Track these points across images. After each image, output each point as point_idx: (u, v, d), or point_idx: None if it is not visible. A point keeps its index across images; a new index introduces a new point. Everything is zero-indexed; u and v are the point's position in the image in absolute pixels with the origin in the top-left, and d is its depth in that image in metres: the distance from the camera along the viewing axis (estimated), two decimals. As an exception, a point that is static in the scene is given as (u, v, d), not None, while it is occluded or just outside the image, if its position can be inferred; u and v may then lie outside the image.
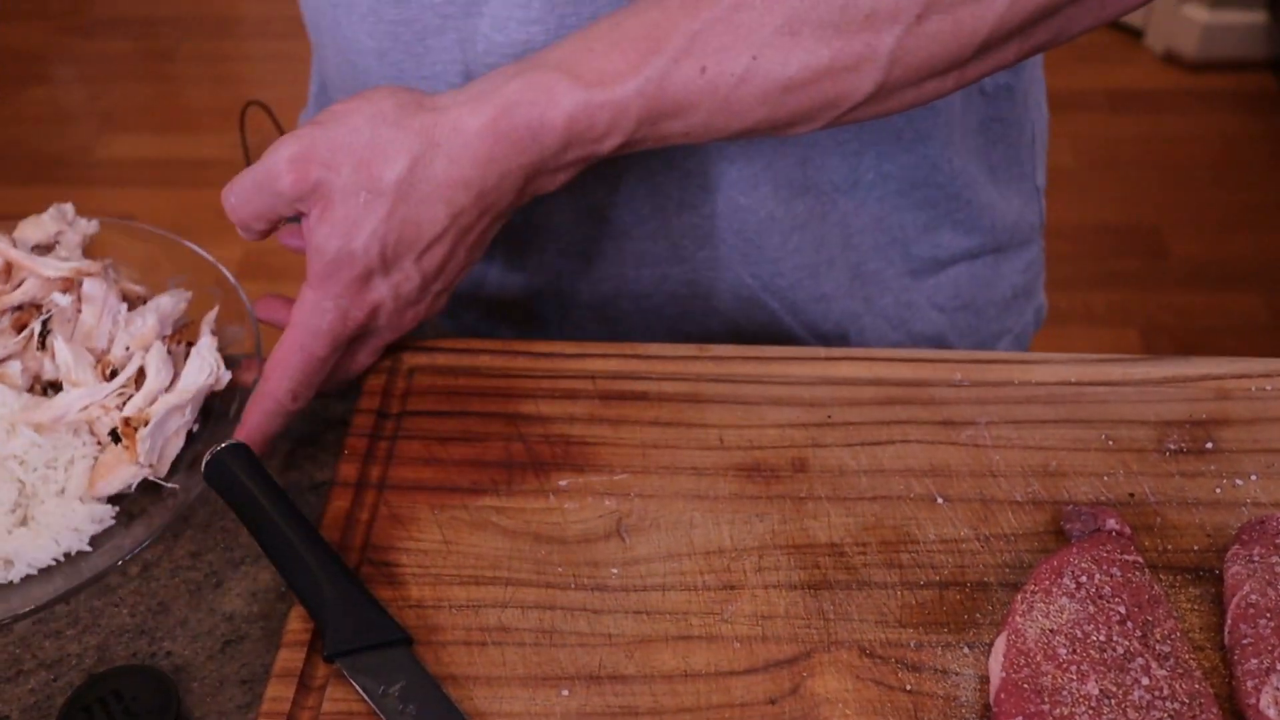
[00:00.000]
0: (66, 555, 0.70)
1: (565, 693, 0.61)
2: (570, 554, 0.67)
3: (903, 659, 0.62)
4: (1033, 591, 0.62)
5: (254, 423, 0.73)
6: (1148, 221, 2.67)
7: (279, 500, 0.67)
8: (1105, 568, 0.62)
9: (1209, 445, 0.72)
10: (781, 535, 0.68)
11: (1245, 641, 0.60)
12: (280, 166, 0.70)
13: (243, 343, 0.79)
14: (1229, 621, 0.61)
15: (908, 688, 0.61)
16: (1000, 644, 0.60)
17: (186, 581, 0.71)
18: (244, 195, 0.72)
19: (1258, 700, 0.57)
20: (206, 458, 0.70)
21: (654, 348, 0.78)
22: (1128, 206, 2.71)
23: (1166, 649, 0.59)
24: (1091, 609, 0.60)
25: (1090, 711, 0.56)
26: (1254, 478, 0.70)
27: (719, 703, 0.60)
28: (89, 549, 0.70)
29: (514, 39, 0.77)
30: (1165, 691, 0.57)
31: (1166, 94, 3.07)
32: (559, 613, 0.64)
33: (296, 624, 0.64)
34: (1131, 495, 0.69)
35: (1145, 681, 0.58)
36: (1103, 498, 0.69)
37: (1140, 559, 0.63)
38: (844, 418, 0.74)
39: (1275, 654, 0.59)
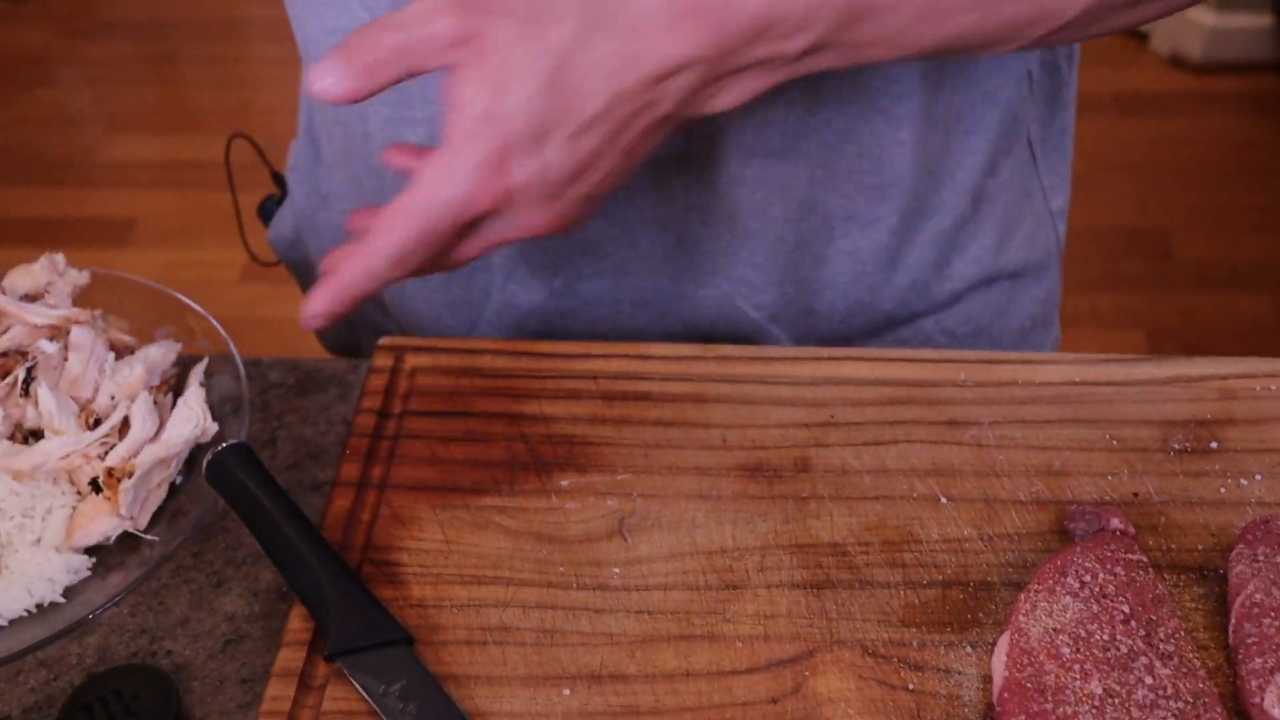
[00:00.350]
0: (39, 605, 0.68)
1: (566, 692, 0.61)
2: (572, 554, 0.67)
3: (905, 658, 0.62)
4: (1036, 590, 0.61)
5: (345, 280, 0.65)
6: (1154, 224, 2.67)
7: (280, 500, 0.67)
8: (1109, 567, 0.62)
9: (1214, 445, 0.71)
10: (784, 535, 0.68)
11: (1250, 640, 0.59)
12: (440, 4, 0.61)
13: (232, 396, 0.77)
14: (1233, 621, 0.61)
15: (910, 687, 0.60)
16: (1003, 643, 0.60)
17: (187, 581, 0.71)
18: (383, 33, 0.62)
19: (1262, 699, 0.57)
20: (208, 457, 0.69)
21: (657, 348, 0.78)
22: (1135, 209, 2.71)
23: (1170, 648, 0.59)
24: (1095, 608, 0.60)
25: (1094, 711, 0.56)
26: (1258, 477, 0.70)
27: (721, 702, 0.60)
28: (62, 600, 0.68)
29: None
30: (1169, 690, 0.57)
31: (1173, 97, 3.07)
32: (560, 612, 0.64)
33: (297, 623, 0.63)
34: (1136, 495, 0.69)
35: (1149, 681, 0.57)
36: (1107, 497, 0.69)
37: (1144, 558, 0.63)
38: (847, 418, 0.74)
39: (1279, 653, 0.58)
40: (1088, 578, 0.61)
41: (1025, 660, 0.59)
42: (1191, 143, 2.88)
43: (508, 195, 0.63)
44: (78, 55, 3.30)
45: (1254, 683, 0.58)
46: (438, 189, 0.62)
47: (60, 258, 0.83)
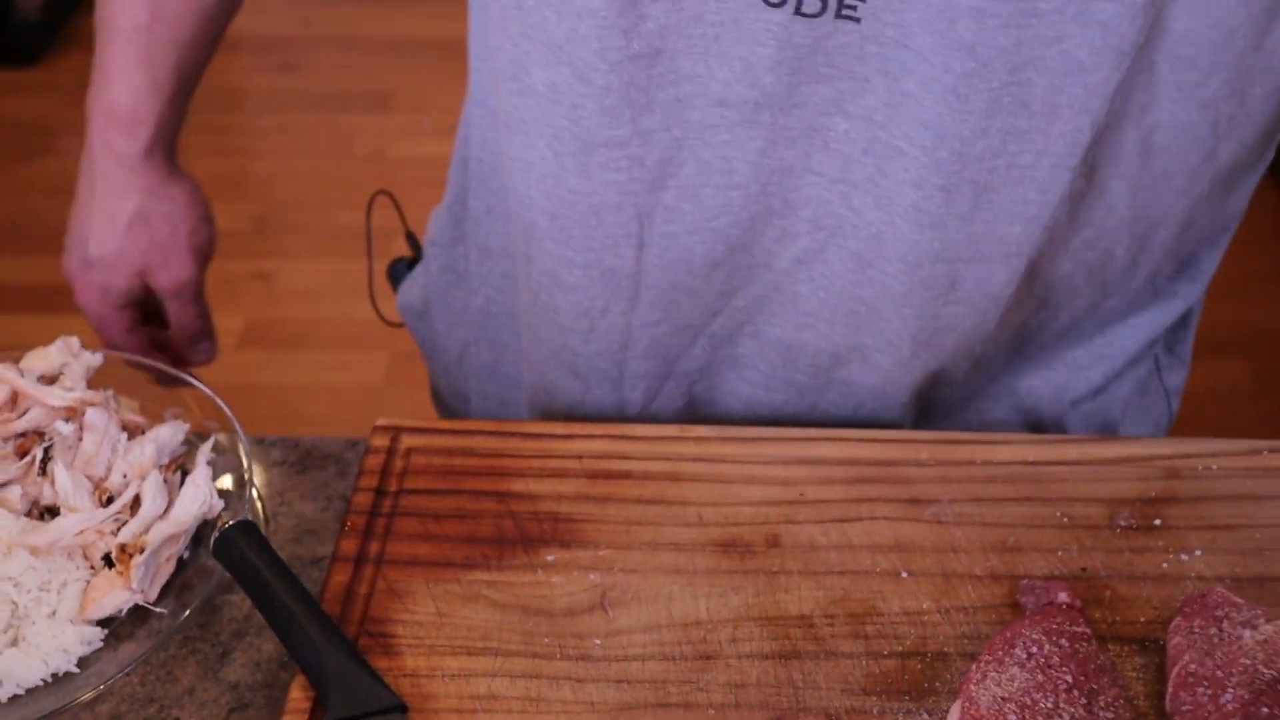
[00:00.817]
0: (54, 675, 0.72)
1: (550, 757, 0.65)
2: (556, 625, 0.71)
3: (866, 725, 0.66)
4: (987, 661, 0.66)
5: None
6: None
7: (283, 574, 0.72)
8: (1055, 639, 0.67)
9: (1157, 522, 0.76)
10: (755, 608, 0.72)
11: (1185, 708, 0.64)
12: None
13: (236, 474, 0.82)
14: (1170, 689, 0.65)
15: (871, 752, 0.65)
16: (955, 711, 0.64)
17: (194, 651, 0.76)
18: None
19: (1195, 764, 0.62)
20: (215, 535, 0.74)
21: (638, 428, 0.83)
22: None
23: (1110, 715, 0.63)
24: (1040, 678, 0.65)
25: (1038, 775, 0.61)
26: (1198, 553, 0.74)
27: (694, 767, 0.65)
28: (76, 670, 0.73)
29: (706, 205, 0.79)
30: (1109, 756, 0.62)
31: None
32: (545, 681, 0.68)
33: (298, 693, 0.68)
34: (1084, 569, 0.74)
35: (1090, 746, 0.62)
36: (1057, 572, 0.74)
37: (1088, 630, 0.68)
38: (816, 495, 0.79)
39: (1213, 720, 0.63)
40: (1034, 649, 0.66)
41: (976, 727, 0.63)
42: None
43: None
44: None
45: (1188, 748, 0.62)
46: None
47: (75, 340, 0.88)
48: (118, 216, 0.99)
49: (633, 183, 0.79)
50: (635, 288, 0.84)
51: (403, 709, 0.67)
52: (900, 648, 0.70)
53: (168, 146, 1.00)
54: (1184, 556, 0.74)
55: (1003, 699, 0.64)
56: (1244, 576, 0.73)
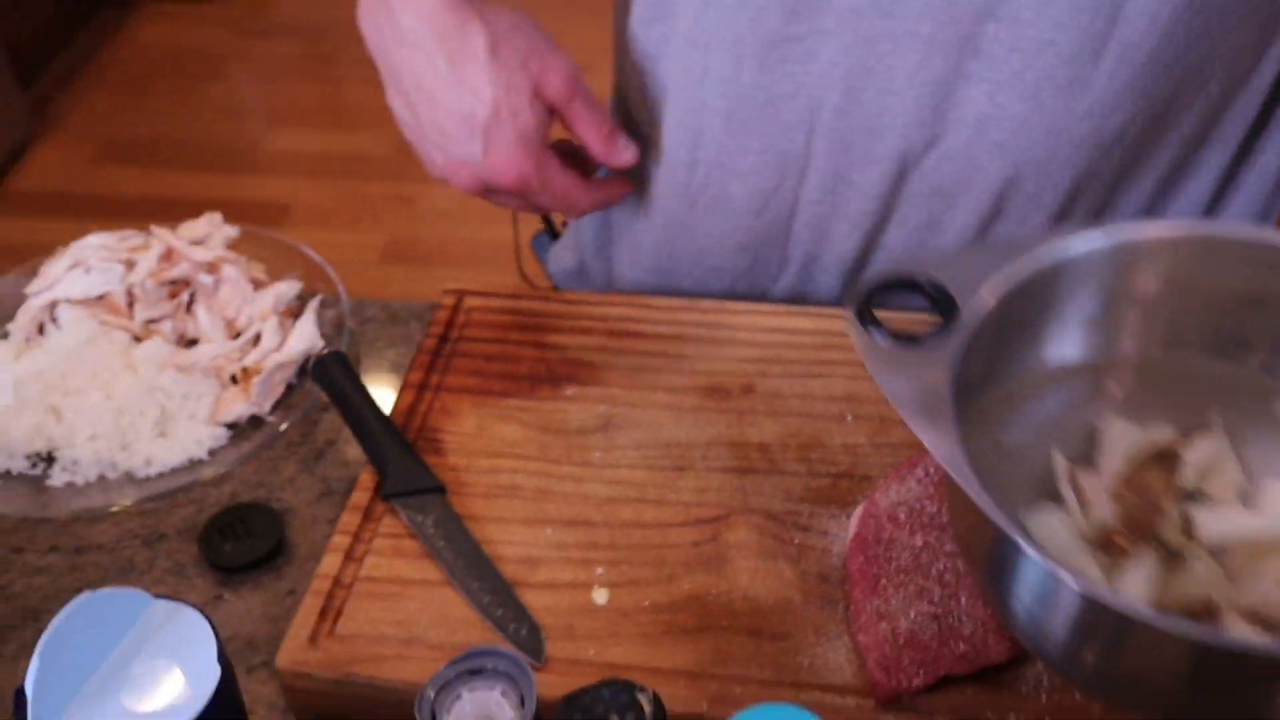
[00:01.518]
0: (189, 461, 0.96)
1: (549, 531, 0.85)
2: (568, 440, 0.91)
3: (796, 523, 0.85)
4: (893, 477, 0.84)
5: None
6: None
7: (363, 394, 0.93)
8: (948, 464, 0.84)
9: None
10: (725, 436, 0.91)
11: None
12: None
13: (336, 323, 1.05)
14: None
15: (795, 542, 0.84)
16: (859, 511, 0.83)
17: (295, 453, 0.98)
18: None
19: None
20: (312, 361, 0.96)
21: (656, 300, 1.02)
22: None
23: (979, 520, 0.81)
24: (931, 490, 0.82)
25: (912, 555, 0.79)
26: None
27: (658, 543, 0.84)
28: (207, 458, 0.96)
29: (867, 108, 0.91)
30: (972, 548, 0.79)
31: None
32: (554, 479, 0.89)
33: (366, 477, 0.89)
34: (995, 421, 0.91)
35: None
36: (973, 422, 0.91)
37: (981, 461, 0.85)
38: (788, 357, 0.97)
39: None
40: (932, 469, 0.84)
41: (871, 522, 0.81)
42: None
43: None
44: (248, 53, 3.65)
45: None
46: None
47: (218, 216, 1.11)
48: (478, 55, 0.88)
49: (806, 75, 0.91)
50: (804, 167, 0.96)
51: (442, 490, 0.87)
52: (835, 470, 0.88)
53: None
54: (1079, 414, 0.91)
55: (897, 503, 0.82)
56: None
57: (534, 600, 0.80)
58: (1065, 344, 0.76)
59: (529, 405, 0.94)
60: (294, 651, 0.77)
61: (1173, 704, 0.60)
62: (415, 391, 0.96)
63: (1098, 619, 0.59)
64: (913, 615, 0.76)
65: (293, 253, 1.11)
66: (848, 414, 0.92)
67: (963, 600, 0.77)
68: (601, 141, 0.95)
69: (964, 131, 0.91)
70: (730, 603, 0.80)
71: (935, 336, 0.68)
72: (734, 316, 1.01)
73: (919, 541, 0.80)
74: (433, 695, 0.67)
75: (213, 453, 0.96)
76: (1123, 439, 0.73)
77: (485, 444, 0.92)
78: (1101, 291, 0.75)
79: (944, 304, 0.69)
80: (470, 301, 1.03)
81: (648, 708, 0.64)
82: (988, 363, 0.70)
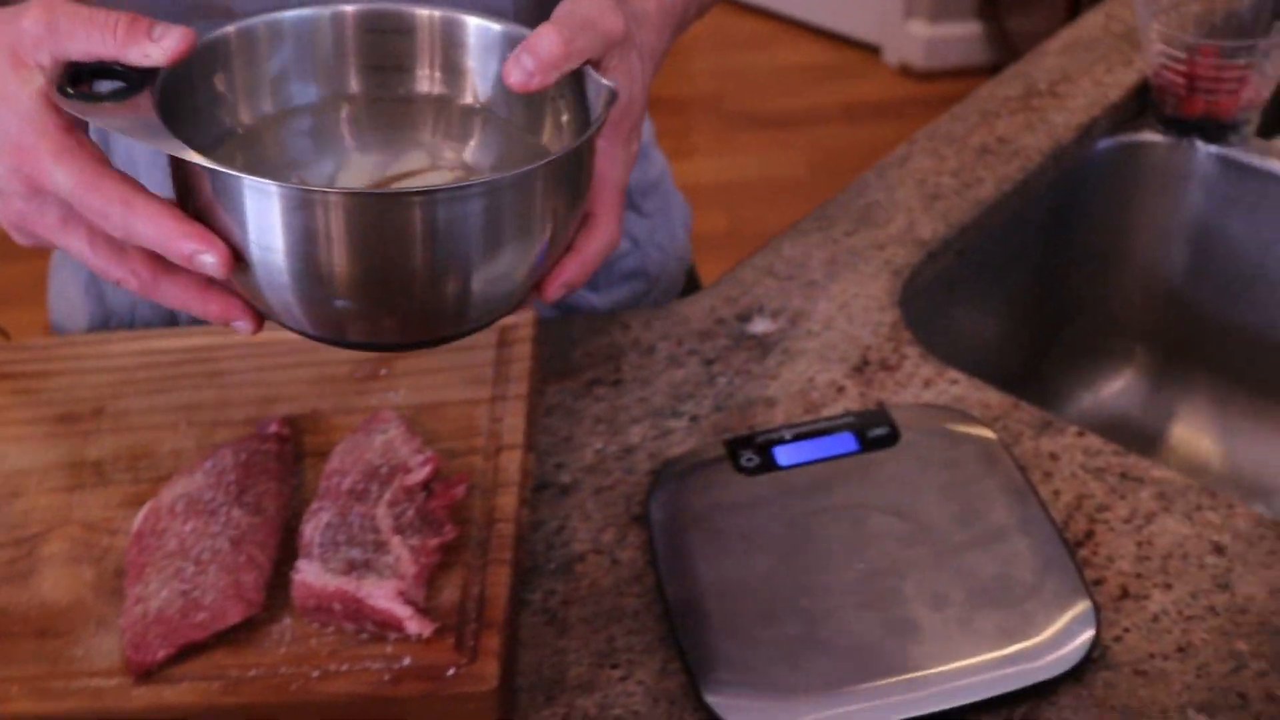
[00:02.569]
0: None
1: None
2: None
3: (109, 528, 0.91)
4: (183, 471, 0.91)
5: None
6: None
7: None
8: (237, 454, 0.91)
9: (383, 371, 1.01)
10: (64, 459, 0.97)
11: (321, 494, 0.89)
12: (609, 12, 0.74)
13: None
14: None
15: (104, 545, 0.90)
16: (146, 507, 0.89)
17: None
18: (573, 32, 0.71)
19: (302, 528, 0.87)
20: None
21: (30, 342, 1.08)
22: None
23: (251, 500, 0.88)
24: (213, 480, 0.90)
25: (179, 542, 0.86)
26: (401, 392, 1.00)
27: None
28: None
29: None
30: (239, 524, 0.86)
31: (900, 103, 3.39)
32: None
33: None
34: (315, 409, 0.99)
35: (224, 519, 0.87)
36: (295, 413, 0.99)
37: (275, 447, 0.93)
38: (142, 376, 1.03)
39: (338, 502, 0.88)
40: (218, 462, 0.91)
41: (152, 516, 0.88)
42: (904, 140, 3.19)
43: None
44: None
45: (307, 523, 0.87)
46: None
47: None
48: None
49: None
50: None
51: None
52: (158, 475, 0.95)
53: None
54: (390, 394, 1.00)
55: (179, 495, 0.89)
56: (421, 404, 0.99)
57: None
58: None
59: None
60: None
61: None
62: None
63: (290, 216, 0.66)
64: (164, 594, 0.83)
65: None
66: (183, 422, 0.99)
67: (211, 572, 0.84)
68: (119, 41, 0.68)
69: None
70: (27, 611, 0.87)
71: (125, 90, 0.70)
72: (107, 345, 1.07)
73: (189, 528, 0.87)
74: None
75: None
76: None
77: None
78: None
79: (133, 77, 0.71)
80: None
81: None
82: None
